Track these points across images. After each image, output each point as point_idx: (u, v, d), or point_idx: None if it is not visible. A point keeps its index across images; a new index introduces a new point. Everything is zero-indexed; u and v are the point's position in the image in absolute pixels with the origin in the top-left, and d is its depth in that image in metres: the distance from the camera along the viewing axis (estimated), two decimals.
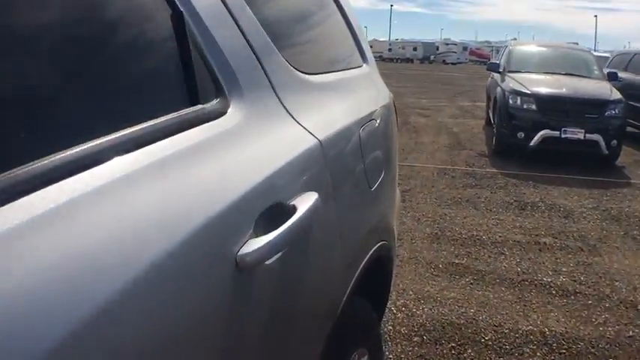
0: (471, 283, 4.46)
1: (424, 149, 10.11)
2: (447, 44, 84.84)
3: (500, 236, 5.59)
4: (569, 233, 5.76)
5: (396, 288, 4.30)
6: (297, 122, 1.42)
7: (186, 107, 1.13)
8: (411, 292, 4.25)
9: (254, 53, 1.37)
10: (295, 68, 1.57)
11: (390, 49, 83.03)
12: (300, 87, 1.55)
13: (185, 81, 1.16)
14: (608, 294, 4.33)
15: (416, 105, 17.43)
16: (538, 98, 8.92)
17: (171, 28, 1.14)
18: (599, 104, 8.82)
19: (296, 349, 1.30)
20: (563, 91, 9.07)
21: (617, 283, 4.53)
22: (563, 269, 4.81)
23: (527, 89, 9.08)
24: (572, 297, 4.26)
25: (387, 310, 3.93)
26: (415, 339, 3.58)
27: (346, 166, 1.58)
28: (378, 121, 1.95)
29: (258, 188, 1.14)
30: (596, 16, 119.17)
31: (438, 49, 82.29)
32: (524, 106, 8.97)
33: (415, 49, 79.99)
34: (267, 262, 1.08)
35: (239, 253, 1.01)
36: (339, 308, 1.49)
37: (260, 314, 1.13)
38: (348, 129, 1.64)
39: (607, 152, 8.66)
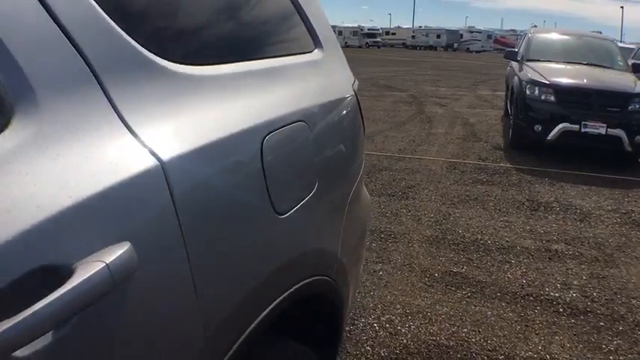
0: (468, 297, 3.97)
1: (436, 141, 9.59)
2: (471, 32, 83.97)
3: (507, 241, 5.08)
4: (585, 239, 5.23)
5: (383, 300, 3.85)
6: (133, 134, 0.95)
7: None
8: (398, 306, 3.79)
9: (65, 35, 0.91)
10: (157, 54, 1.10)
11: (413, 37, 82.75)
12: (160, 82, 1.08)
13: None
14: (623, 314, 3.81)
15: (434, 93, 16.90)
16: (557, 89, 8.32)
17: None
18: (622, 97, 8.17)
19: None
20: (584, 82, 8.44)
21: (634, 302, 4.01)
22: (575, 282, 4.29)
23: (546, 79, 8.48)
24: (582, 317, 3.75)
25: (368, 327, 3.50)
26: None
27: (219, 194, 1.10)
28: (310, 124, 1.47)
29: (6, 246, 0.70)
30: (622, 7, 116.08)
31: (461, 36, 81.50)
32: (543, 98, 8.38)
33: (439, 36, 79.30)
34: (18, 355, 0.69)
35: None
36: None
37: None
38: (233, 141, 1.16)
39: (630, 149, 8.02)
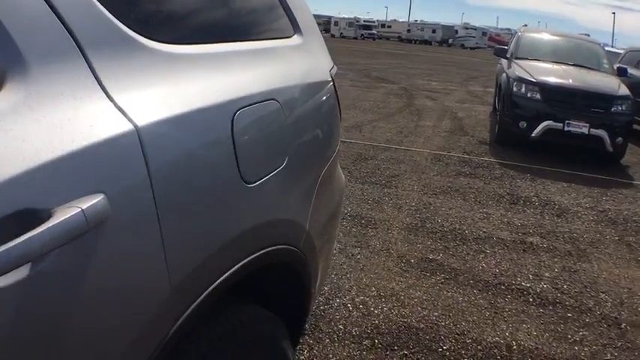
0: (442, 283, 4.10)
1: (423, 133, 9.71)
2: (467, 29, 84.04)
3: (484, 232, 5.21)
4: (560, 234, 5.37)
5: (359, 283, 3.97)
6: (112, 101, 1.06)
7: None
8: (373, 289, 3.90)
9: (55, 13, 1.02)
10: (139, 33, 1.21)
11: (408, 30, 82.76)
12: (140, 58, 1.19)
13: None
14: (591, 307, 3.95)
15: (425, 87, 17.02)
16: (543, 87, 8.46)
17: None
18: (606, 99, 8.33)
19: None
20: (570, 82, 8.58)
21: (602, 295, 4.15)
22: (546, 274, 4.43)
23: (533, 77, 8.61)
24: (551, 307, 3.89)
25: (342, 307, 3.62)
26: (365, 342, 3.24)
27: (190, 160, 1.20)
28: (283, 103, 1.56)
29: None
30: (614, 13, 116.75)
31: (457, 32, 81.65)
32: (529, 95, 8.51)
33: (434, 31, 79.44)
34: None
35: None
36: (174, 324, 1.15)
37: None
38: (204, 113, 1.26)
39: (611, 149, 8.20)
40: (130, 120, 1.06)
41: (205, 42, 1.45)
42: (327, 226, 2.09)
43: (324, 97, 1.98)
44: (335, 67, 2.24)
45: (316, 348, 3.17)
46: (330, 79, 2.10)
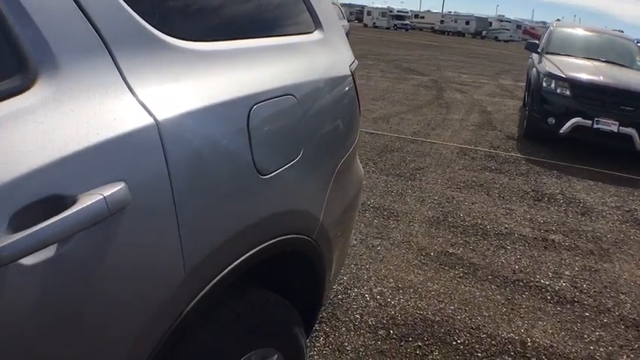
0: (460, 277, 4.13)
1: (450, 126, 9.69)
2: (501, 21, 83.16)
3: (506, 227, 5.22)
4: (583, 233, 5.35)
5: (378, 274, 4.03)
6: (135, 96, 1.14)
7: None
8: (391, 280, 3.96)
9: (82, 11, 1.10)
10: (161, 30, 1.29)
11: (441, 21, 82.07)
12: (161, 54, 1.27)
13: None
14: (610, 308, 3.95)
15: (455, 80, 16.91)
16: (573, 84, 8.37)
17: None
18: (637, 96, 8.21)
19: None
20: (601, 79, 8.47)
21: (622, 296, 4.14)
22: (566, 272, 4.43)
23: (563, 73, 8.52)
24: (568, 306, 3.90)
25: (359, 297, 3.68)
26: (381, 332, 3.30)
27: (207, 152, 1.28)
28: (300, 98, 1.63)
29: (27, 178, 0.91)
30: None
31: (491, 24, 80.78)
32: (558, 91, 8.43)
33: (467, 23, 78.65)
34: (23, 262, 0.90)
35: None
36: (184, 309, 1.23)
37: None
38: (221, 108, 1.34)
39: None
40: (150, 114, 1.14)
41: (226, 39, 1.52)
42: (343, 218, 2.14)
43: (343, 92, 2.03)
44: (356, 62, 2.29)
45: (332, 336, 3.23)
46: (350, 73, 2.14)
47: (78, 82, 1.05)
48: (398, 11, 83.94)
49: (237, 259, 1.36)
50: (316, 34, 2.01)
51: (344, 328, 3.32)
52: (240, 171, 1.38)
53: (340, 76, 2.00)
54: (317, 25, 2.03)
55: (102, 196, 0.95)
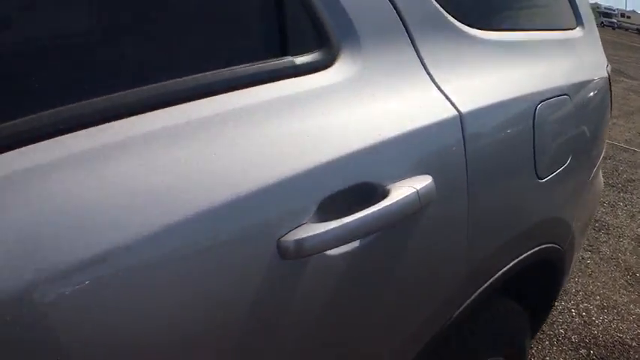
0: None
1: None
2: None
3: None
4: None
5: (585, 289, 3.78)
6: (436, 85, 1.08)
7: (273, 57, 0.91)
8: (597, 297, 3.70)
9: None
10: (455, 17, 1.22)
11: None
12: (458, 42, 1.20)
13: (273, 25, 0.94)
14: None
15: None
16: None
17: None
18: None
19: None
20: None
21: None
22: None
23: None
24: None
25: (566, 311, 3.48)
26: (582, 351, 3.11)
27: (498, 150, 1.20)
28: (572, 99, 1.52)
29: (338, 162, 0.87)
30: None
31: None
32: None
33: None
34: (328, 254, 0.86)
35: (282, 238, 0.78)
36: (454, 313, 1.19)
37: (308, 319, 0.88)
38: (515, 103, 1.26)
39: None
40: (454, 106, 1.09)
41: (507, 29, 1.44)
42: (585, 226, 2.02)
43: (602, 95, 1.89)
44: (609, 64, 2.12)
45: (535, 348, 3.10)
46: (607, 75, 1.99)
47: (379, 66, 1.01)
48: (605, 8, 78.31)
49: (508, 264, 1.30)
50: (577, 31, 1.88)
51: (547, 342, 3.16)
52: (523, 172, 1.31)
53: (602, 78, 1.86)
54: (578, 21, 1.90)
55: (415, 190, 0.90)
